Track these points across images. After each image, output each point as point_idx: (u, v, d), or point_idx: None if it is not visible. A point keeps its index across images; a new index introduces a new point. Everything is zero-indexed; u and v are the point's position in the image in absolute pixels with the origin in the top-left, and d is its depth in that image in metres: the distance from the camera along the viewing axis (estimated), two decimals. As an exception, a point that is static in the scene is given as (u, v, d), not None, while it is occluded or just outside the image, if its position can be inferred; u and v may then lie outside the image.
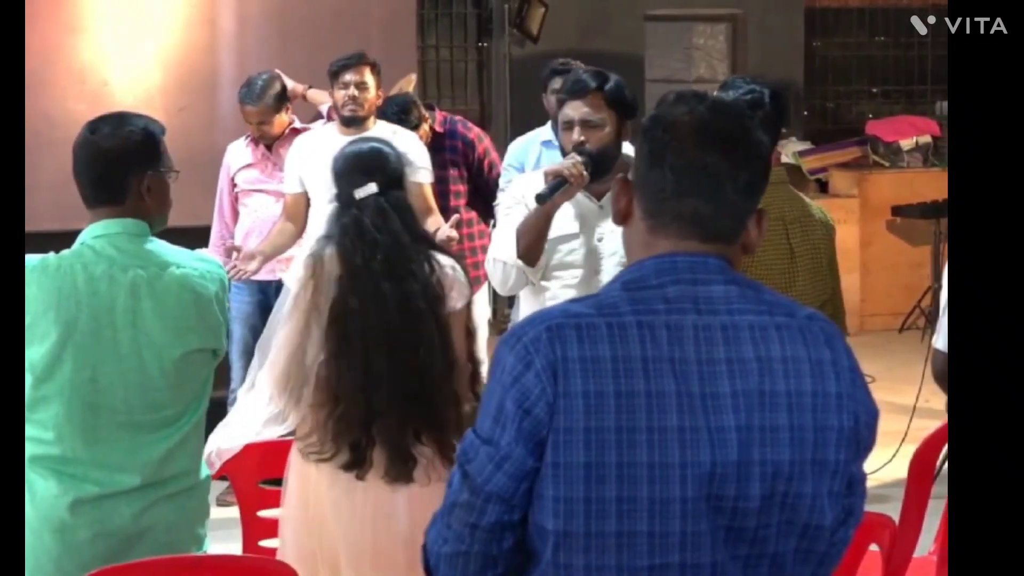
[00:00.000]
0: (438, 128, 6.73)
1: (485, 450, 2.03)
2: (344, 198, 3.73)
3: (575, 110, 4.08)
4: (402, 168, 3.80)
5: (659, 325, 2.01)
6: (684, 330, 2.02)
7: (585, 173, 3.98)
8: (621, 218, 2.15)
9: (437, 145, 6.61)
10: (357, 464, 3.67)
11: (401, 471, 3.68)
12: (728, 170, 2.06)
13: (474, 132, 6.89)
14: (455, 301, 3.76)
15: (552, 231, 4.12)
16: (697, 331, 2.02)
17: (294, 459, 3.78)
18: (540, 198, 4.01)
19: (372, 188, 3.68)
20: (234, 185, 6.56)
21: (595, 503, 1.98)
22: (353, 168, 3.75)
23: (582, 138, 4.05)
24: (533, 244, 4.07)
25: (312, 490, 3.74)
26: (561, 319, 2.03)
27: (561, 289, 4.16)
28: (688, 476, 1.97)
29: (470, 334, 3.87)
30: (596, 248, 4.15)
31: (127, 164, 3.27)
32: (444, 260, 3.78)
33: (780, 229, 3.92)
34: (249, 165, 6.52)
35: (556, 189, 3.98)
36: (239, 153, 6.58)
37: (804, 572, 2.06)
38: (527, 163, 6.50)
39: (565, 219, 4.15)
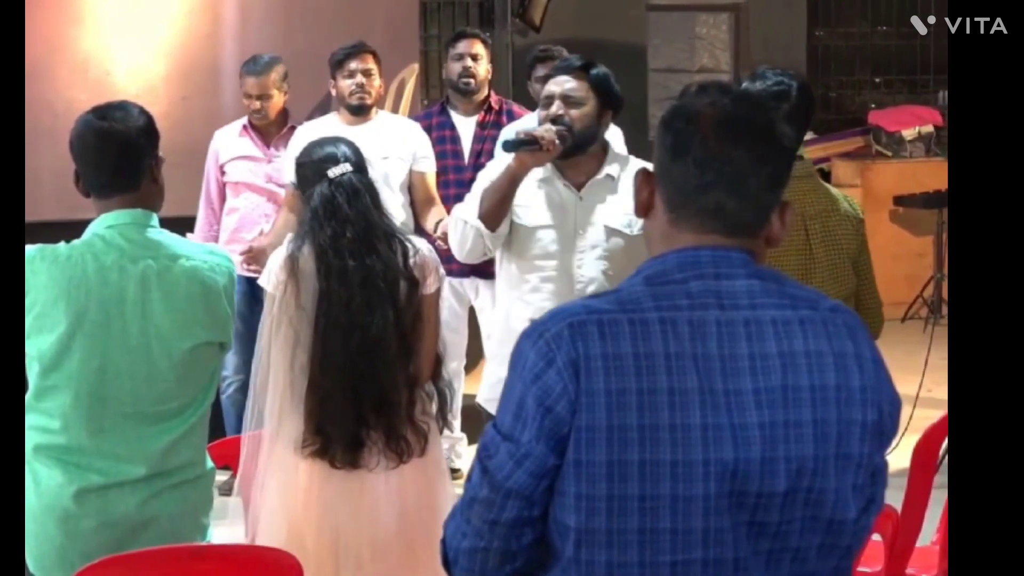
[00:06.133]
0: (494, 105, 6.59)
1: (505, 447, 2.01)
2: (315, 179, 3.74)
3: (558, 85, 4.10)
4: (363, 158, 3.86)
5: (681, 321, 1.99)
6: (707, 326, 1.99)
7: (557, 141, 3.98)
8: (643, 210, 2.11)
9: (495, 122, 6.52)
10: (324, 451, 3.66)
11: (348, 456, 3.66)
12: (752, 163, 2.03)
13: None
14: (431, 286, 3.76)
15: (529, 220, 4.12)
16: (720, 327, 1.99)
17: (281, 453, 3.74)
18: (506, 145, 4.02)
19: (347, 167, 3.72)
20: (222, 173, 6.45)
21: (617, 500, 1.96)
22: (327, 151, 3.79)
23: (560, 111, 4.05)
24: (495, 207, 4.03)
25: (303, 484, 3.71)
26: (583, 315, 2.00)
27: (541, 281, 4.12)
28: (711, 473, 1.95)
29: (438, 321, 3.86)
30: (575, 241, 4.11)
31: (143, 146, 3.27)
32: (420, 243, 3.80)
33: (799, 224, 3.83)
34: (244, 157, 6.40)
35: (524, 144, 3.97)
36: (230, 142, 6.46)
37: (827, 565, 2.04)
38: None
39: (543, 208, 4.13)
